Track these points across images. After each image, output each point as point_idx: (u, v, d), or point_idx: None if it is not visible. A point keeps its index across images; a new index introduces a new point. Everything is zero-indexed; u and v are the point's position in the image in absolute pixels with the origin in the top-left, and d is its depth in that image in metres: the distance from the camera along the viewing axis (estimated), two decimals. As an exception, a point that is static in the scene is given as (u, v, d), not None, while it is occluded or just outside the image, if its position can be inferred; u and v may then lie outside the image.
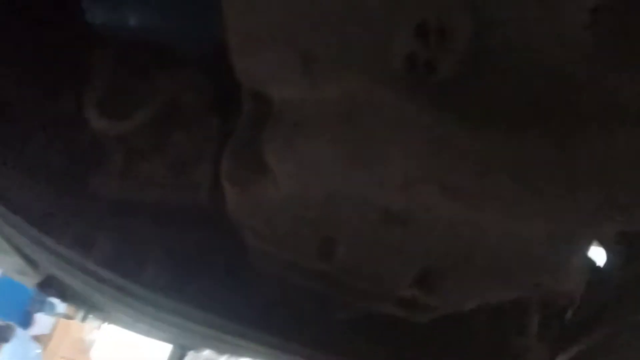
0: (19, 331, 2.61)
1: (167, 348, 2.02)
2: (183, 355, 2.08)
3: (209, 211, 0.63)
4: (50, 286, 0.89)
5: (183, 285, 0.60)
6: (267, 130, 0.43)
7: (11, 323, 2.58)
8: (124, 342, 2.25)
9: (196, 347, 1.05)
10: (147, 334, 1.19)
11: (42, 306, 2.66)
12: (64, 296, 0.99)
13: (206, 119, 0.64)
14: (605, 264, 0.64)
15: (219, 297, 0.59)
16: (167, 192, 0.64)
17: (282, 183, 0.45)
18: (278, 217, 0.51)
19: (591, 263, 0.63)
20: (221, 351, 0.92)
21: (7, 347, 2.60)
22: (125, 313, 0.79)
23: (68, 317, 2.65)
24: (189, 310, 0.57)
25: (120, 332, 2.27)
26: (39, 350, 2.65)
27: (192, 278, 0.61)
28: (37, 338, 2.71)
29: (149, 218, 0.63)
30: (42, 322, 2.67)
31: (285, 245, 0.55)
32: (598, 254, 0.62)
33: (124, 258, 0.57)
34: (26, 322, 2.63)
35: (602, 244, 0.61)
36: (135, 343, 2.19)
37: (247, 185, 0.48)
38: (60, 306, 2.67)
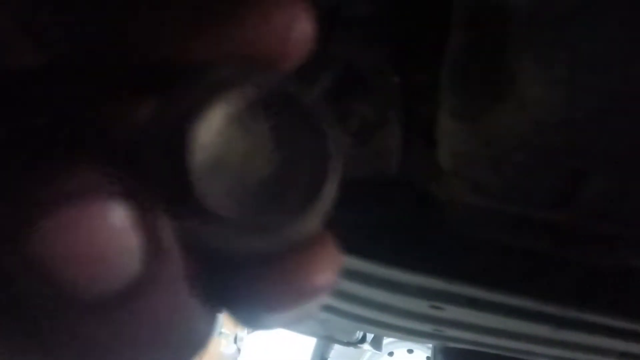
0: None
1: (308, 351, 2.01)
2: (324, 355, 2.06)
3: (398, 180, 0.57)
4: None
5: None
6: (513, 41, 0.37)
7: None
8: (267, 352, 2.26)
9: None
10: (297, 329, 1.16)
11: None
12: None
13: (386, 79, 0.59)
14: None
15: (429, 266, 0.53)
16: (353, 164, 0.59)
17: (536, 101, 0.38)
18: (511, 156, 0.44)
19: None
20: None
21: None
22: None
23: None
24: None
25: (261, 342, 2.29)
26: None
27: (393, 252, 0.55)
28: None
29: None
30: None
31: (512, 195, 0.48)
32: None
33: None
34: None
35: None
36: (280, 352, 2.20)
37: (478, 119, 0.42)
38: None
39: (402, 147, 0.56)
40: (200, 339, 0.15)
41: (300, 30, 0.15)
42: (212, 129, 0.13)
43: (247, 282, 0.15)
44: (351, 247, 0.52)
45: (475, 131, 0.43)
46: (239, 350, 2.56)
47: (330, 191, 0.14)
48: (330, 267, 0.15)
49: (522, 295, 0.50)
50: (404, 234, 0.53)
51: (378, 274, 0.55)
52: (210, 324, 0.15)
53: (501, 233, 0.53)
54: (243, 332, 2.50)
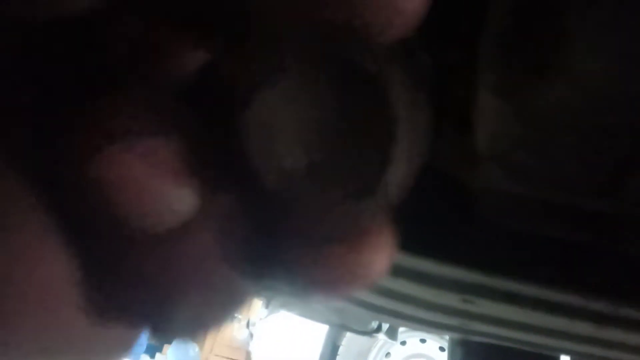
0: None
1: (321, 337, 1.99)
2: (336, 348, 2.05)
3: (428, 166, 0.53)
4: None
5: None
6: (570, 3, 0.32)
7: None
8: (280, 338, 2.25)
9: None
10: (311, 316, 1.14)
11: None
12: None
13: (416, 56, 0.54)
14: None
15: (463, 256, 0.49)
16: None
17: (593, 75, 0.34)
18: (559, 138, 0.40)
19: None
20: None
21: (170, 347, 2.72)
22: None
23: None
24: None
25: (273, 327, 2.28)
26: (197, 349, 2.75)
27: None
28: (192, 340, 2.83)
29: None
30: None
31: (557, 182, 0.44)
32: None
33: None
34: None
35: None
36: (292, 338, 2.19)
37: (524, 95, 0.38)
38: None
39: (432, 130, 0.52)
40: (239, 297, 0.15)
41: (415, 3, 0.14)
42: (278, 95, 0.12)
43: (299, 256, 0.14)
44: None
45: (520, 111, 0.39)
46: (251, 335, 2.55)
47: (400, 166, 0.13)
48: (386, 257, 0.15)
49: (564, 289, 0.46)
50: (434, 223, 0.49)
51: (405, 265, 0.51)
52: (250, 287, 0.15)
53: (541, 223, 0.49)
54: (256, 317, 2.49)
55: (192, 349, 2.71)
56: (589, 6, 0.32)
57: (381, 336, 1.33)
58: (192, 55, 0.14)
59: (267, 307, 1.76)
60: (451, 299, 0.53)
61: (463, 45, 0.47)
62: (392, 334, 1.36)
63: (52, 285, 0.13)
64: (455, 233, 0.49)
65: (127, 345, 0.16)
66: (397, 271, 0.52)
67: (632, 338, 0.51)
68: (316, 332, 2.04)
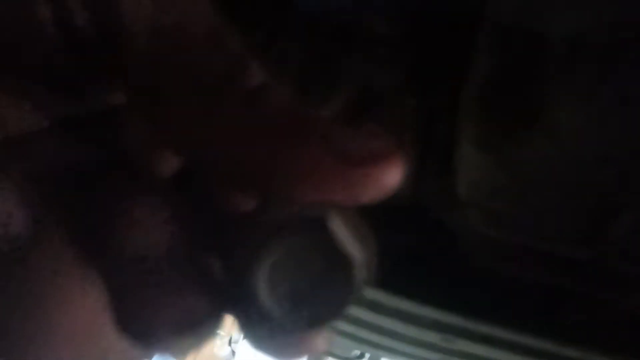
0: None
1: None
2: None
3: (411, 207, 0.54)
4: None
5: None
6: (549, 70, 0.34)
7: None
8: (262, 356, 2.23)
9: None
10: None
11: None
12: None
13: (403, 100, 0.56)
14: None
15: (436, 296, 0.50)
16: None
17: (572, 134, 0.35)
18: (538, 190, 0.41)
19: None
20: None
21: (150, 363, 2.68)
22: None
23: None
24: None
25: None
26: (178, 366, 2.71)
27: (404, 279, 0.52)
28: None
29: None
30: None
31: (536, 230, 0.45)
32: None
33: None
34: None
35: None
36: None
37: (504, 149, 0.39)
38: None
39: (416, 172, 0.53)
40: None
41: (390, 182, 0.18)
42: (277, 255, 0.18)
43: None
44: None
45: (500, 162, 0.40)
46: (233, 352, 2.53)
47: (348, 300, 0.19)
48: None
49: (542, 336, 0.47)
50: (417, 264, 0.50)
51: (388, 303, 0.52)
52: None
53: (520, 267, 0.50)
54: (238, 335, 2.47)
55: (173, 364, 2.68)
56: (566, 74, 0.33)
57: (364, 361, 1.33)
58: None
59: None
60: (431, 337, 0.54)
61: (445, 92, 0.49)
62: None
63: (91, 317, 0.18)
64: (436, 275, 0.50)
65: None
66: (379, 308, 0.53)
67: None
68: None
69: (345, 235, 0.18)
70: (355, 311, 0.56)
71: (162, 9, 0.16)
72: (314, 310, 0.18)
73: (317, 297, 0.18)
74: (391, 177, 0.18)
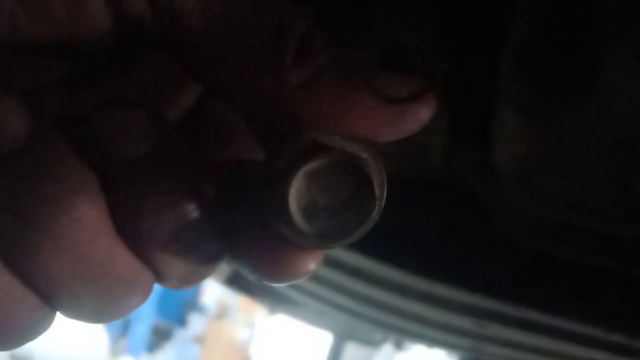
0: (178, 332, 2.71)
1: (324, 343, 1.97)
2: (339, 350, 2.03)
3: (443, 181, 0.51)
4: (237, 281, 0.85)
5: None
6: (600, 27, 0.30)
7: (171, 323, 2.69)
8: (281, 339, 2.23)
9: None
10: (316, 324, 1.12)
11: (194, 306, 2.75)
12: (251, 290, 0.94)
13: (433, 64, 0.52)
14: None
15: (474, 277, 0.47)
16: (395, 160, 0.52)
17: (624, 98, 0.31)
18: (587, 161, 0.37)
19: None
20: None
21: (169, 347, 2.71)
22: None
23: (219, 317, 2.71)
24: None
25: (276, 328, 2.26)
26: (197, 351, 2.73)
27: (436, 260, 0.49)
28: (192, 339, 2.81)
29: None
30: (195, 323, 2.75)
31: (580, 206, 0.41)
32: None
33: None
34: (181, 322, 2.73)
35: None
36: (293, 339, 2.17)
37: (551, 116, 0.35)
38: (212, 307, 2.75)
39: (449, 143, 0.50)
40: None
41: (425, 117, 0.20)
42: (303, 178, 0.20)
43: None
44: (389, 257, 0.46)
45: (546, 131, 0.37)
46: (252, 336, 2.54)
47: (373, 220, 0.20)
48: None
49: (583, 321, 0.44)
50: (450, 245, 0.47)
51: (418, 287, 0.49)
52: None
53: (560, 246, 0.47)
54: (257, 318, 2.48)
55: (194, 349, 2.69)
56: (618, 31, 0.30)
57: (388, 346, 1.31)
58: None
59: (269, 309, 1.74)
60: (463, 322, 0.51)
61: (484, 54, 0.45)
62: (399, 344, 1.34)
63: (90, 221, 0.18)
64: (471, 254, 0.47)
65: (147, 289, 0.20)
66: (407, 292, 0.50)
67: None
68: (319, 336, 2.02)
69: (374, 167, 0.20)
70: (379, 295, 0.53)
71: None
72: (336, 227, 0.20)
73: (343, 215, 0.20)
74: (426, 111, 0.20)
